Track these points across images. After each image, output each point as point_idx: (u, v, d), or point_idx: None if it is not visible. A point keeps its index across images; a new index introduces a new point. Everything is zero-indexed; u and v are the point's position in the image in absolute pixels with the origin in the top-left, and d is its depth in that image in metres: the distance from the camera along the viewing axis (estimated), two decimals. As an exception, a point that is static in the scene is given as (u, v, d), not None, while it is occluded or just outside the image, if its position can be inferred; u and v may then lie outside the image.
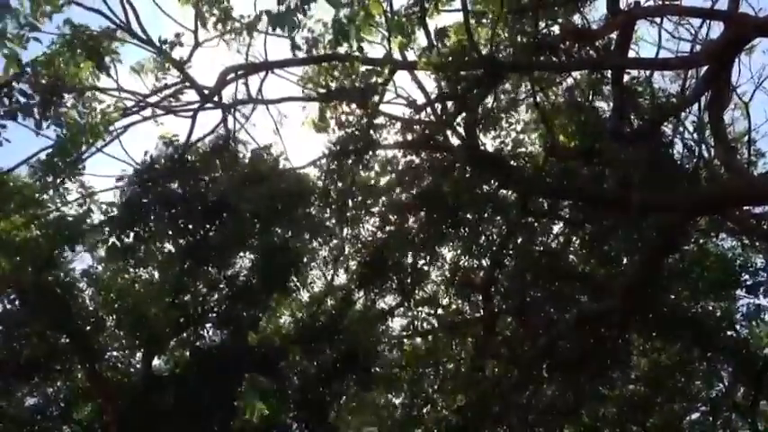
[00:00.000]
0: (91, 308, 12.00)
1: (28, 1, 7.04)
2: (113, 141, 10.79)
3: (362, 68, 11.32)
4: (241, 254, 12.70)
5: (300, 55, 11.01)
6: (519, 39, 10.99)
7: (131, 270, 11.97)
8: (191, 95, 11.47)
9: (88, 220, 10.94)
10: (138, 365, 13.09)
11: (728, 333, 12.14)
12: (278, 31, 8.09)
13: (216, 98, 11.55)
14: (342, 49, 10.32)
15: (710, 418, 13.33)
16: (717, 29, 11.00)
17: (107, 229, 10.71)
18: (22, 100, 8.08)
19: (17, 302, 11.32)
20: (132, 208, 10.66)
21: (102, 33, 9.23)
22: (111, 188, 11.15)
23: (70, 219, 10.84)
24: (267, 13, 7.31)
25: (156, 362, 13.14)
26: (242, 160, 12.17)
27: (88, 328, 11.66)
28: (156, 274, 12.31)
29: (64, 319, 11.13)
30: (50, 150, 8.93)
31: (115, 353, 12.90)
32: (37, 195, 10.50)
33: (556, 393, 12.69)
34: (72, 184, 10.52)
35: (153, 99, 11.15)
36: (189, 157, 11.58)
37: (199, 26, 10.99)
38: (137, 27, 10.34)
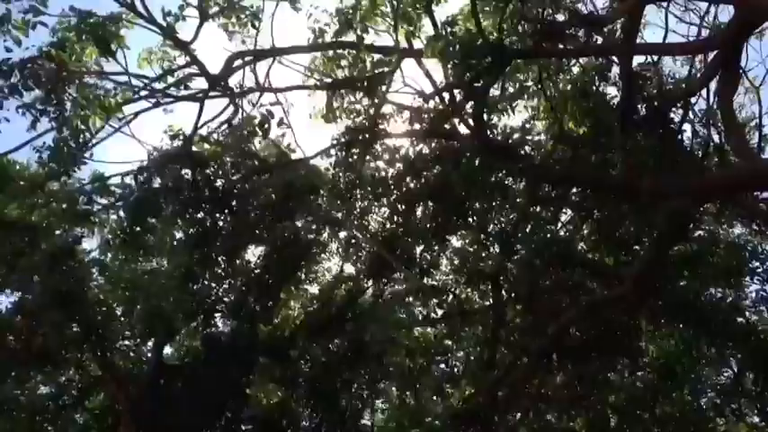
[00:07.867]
0: (102, 297, 12.08)
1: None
2: (122, 129, 10.73)
3: (370, 57, 11.31)
4: (251, 244, 12.74)
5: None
6: (525, 25, 10.91)
7: (141, 259, 12.04)
8: (198, 82, 11.41)
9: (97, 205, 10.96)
10: (149, 354, 13.20)
11: (738, 319, 12.09)
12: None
13: (223, 84, 11.45)
14: (348, 38, 10.43)
15: (720, 405, 13.28)
16: (725, 12, 10.96)
17: (116, 217, 10.79)
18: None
19: (31, 292, 11.40)
20: (141, 196, 10.70)
21: (109, 18, 9.21)
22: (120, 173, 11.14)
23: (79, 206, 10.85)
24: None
25: (167, 350, 13.25)
26: (251, 148, 12.13)
27: (100, 317, 11.76)
28: (166, 263, 12.37)
29: (76, 308, 11.22)
30: (57, 135, 8.85)
31: (126, 342, 12.99)
32: (42, 180, 10.48)
33: (565, 381, 12.70)
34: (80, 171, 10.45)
35: (160, 85, 11.06)
36: (197, 145, 11.54)
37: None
38: (140, 7, 10.21)
